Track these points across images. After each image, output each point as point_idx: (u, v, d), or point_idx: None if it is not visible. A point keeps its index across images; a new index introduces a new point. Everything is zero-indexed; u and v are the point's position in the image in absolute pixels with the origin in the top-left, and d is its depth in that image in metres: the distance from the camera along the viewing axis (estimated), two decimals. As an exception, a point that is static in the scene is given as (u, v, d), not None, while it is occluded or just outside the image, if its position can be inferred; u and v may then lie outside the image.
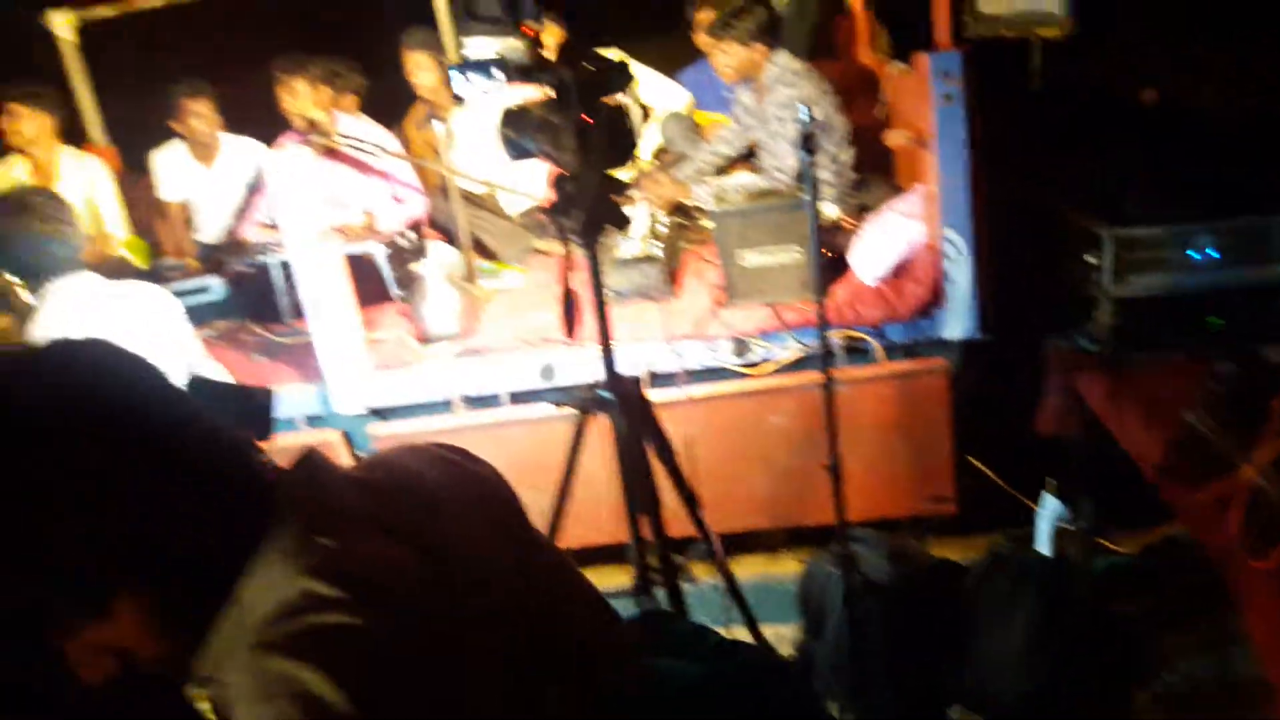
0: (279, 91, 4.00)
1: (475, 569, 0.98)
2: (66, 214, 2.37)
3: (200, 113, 4.28)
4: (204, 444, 0.89)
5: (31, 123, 4.14)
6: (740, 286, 3.21)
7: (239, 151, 4.40)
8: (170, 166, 4.45)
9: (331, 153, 3.83)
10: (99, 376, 0.86)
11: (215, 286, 3.65)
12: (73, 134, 4.80)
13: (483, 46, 1.89)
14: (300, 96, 3.96)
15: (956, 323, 3.13)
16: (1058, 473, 2.92)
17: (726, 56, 3.70)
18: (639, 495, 2.22)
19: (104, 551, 0.81)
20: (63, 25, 4.90)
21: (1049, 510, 2.92)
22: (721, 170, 4.18)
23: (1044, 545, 2.92)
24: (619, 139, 1.86)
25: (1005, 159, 3.12)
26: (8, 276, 2.30)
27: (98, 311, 2.32)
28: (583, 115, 1.79)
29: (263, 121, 4.30)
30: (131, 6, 4.90)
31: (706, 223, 3.73)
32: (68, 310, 2.31)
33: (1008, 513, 3.13)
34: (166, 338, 2.44)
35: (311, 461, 0.96)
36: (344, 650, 0.81)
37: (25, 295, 2.30)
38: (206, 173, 4.43)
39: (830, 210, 3.65)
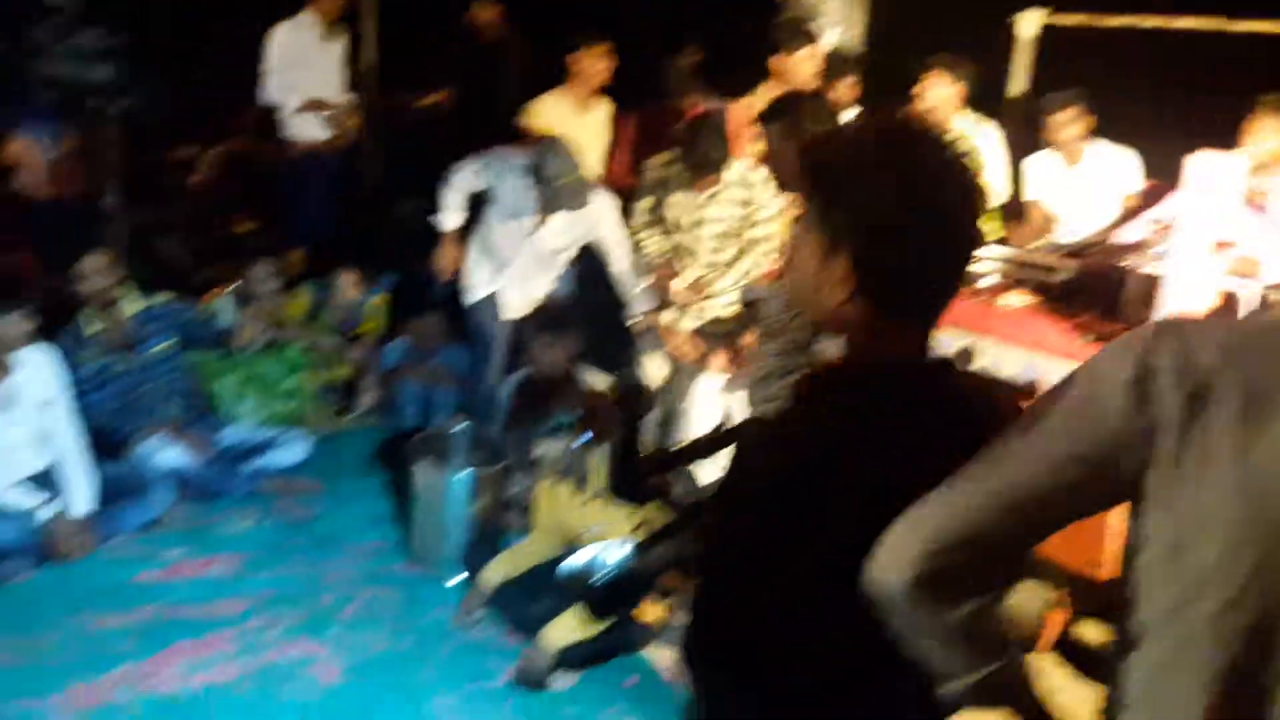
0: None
1: None
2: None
3: (1068, 121, 4.31)
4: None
5: (942, 90, 4.42)
6: None
7: (1106, 158, 4.39)
8: (1040, 170, 4.55)
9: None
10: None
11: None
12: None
13: None
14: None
15: None
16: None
17: None
18: None
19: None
20: (1029, 25, 5.32)
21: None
22: None
23: None
24: None
25: None
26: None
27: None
28: None
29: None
30: (1098, 22, 5.12)
31: None
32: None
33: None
34: None
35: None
36: None
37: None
38: (1070, 175, 4.43)
39: None
